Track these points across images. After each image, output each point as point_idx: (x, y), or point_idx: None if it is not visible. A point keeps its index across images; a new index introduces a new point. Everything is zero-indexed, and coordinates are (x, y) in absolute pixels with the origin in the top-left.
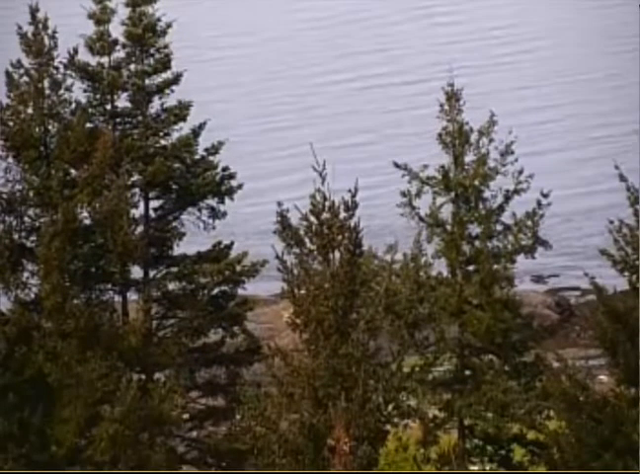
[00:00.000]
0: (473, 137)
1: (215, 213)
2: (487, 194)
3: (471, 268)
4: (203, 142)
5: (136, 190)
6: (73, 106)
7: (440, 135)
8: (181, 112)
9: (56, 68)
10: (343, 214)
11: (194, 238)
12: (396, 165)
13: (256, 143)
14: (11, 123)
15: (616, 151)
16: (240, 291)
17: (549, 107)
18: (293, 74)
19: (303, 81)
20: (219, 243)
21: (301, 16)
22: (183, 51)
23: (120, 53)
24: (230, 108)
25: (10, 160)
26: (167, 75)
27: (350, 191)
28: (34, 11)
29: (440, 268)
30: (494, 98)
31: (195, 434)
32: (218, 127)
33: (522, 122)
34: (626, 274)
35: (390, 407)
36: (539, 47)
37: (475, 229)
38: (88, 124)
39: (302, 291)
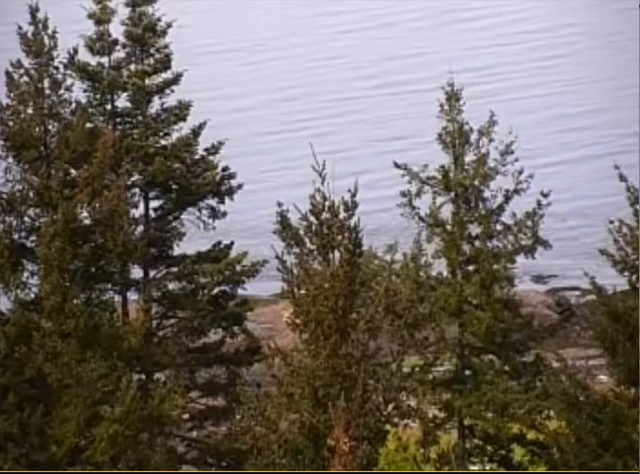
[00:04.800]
0: (473, 137)
1: (215, 213)
2: (487, 194)
3: (471, 268)
4: (203, 142)
5: (136, 190)
6: (73, 106)
7: (439, 135)
8: (181, 112)
9: (56, 68)
10: (342, 214)
11: (194, 238)
12: (396, 165)
13: (256, 143)
14: (11, 123)
15: (617, 151)
16: (240, 291)
17: (552, 107)
18: (298, 75)
19: (307, 81)
20: (219, 243)
21: (308, 21)
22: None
23: (120, 53)
24: (230, 107)
25: (10, 160)
26: (167, 75)
27: (349, 190)
28: (34, 11)
29: (440, 268)
30: (495, 99)
31: (195, 434)
32: (219, 127)
33: (524, 123)
34: (626, 274)
35: (390, 407)
36: (545, 49)
37: (475, 229)
38: (88, 124)
39: (302, 291)
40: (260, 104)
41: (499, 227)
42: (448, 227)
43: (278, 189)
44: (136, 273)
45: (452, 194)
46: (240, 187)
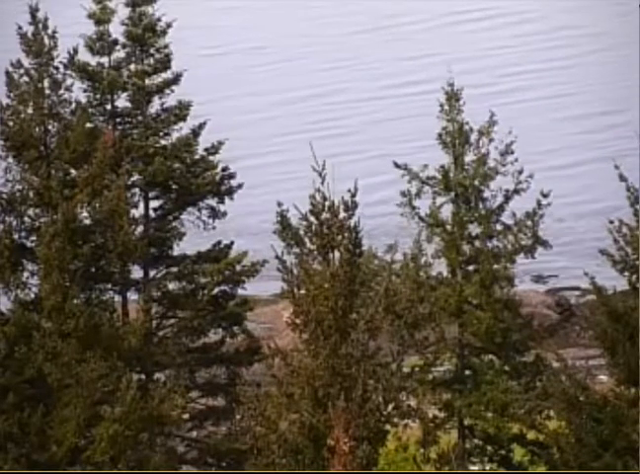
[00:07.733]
0: (473, 137)
1: (215, 213)
2: (487, 194)
3: (471, 268)
4: (203, 142)
5: (136, 190)
6: (73, 106)
7: (440, 135)
8: (181, 112)
9: (56, 68)
10: (342, 214)
11: (194, 238)
12: (396, 165)
13: (257, 143)
14: (11, 123)
15: (618, 153)
16: (240, 291)
17: (554, 108)
18: (297, 76)
19: (306, 82)
20: (219, 243)
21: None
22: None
23: (120, 53)
24: (235, 108)
25: (10, 160)
26: (167, 75)
27: (349, 190)
28: (34, 11)
29: (440, 268)
30: (497, 101)
31: (195, 434)
32: (219, 127)
33: (525, 124)
34: (626, 274)
35: (390, 407)
36: (547, 51)
37: (475, 229)
38: (88, 124)
39: (302, 291)
40: (264, 105)
41: (499, 227)
42: (448, 227)
43: (278, 189)
44: (136, 273)
45: (452, 194)
46: (240, 187)
